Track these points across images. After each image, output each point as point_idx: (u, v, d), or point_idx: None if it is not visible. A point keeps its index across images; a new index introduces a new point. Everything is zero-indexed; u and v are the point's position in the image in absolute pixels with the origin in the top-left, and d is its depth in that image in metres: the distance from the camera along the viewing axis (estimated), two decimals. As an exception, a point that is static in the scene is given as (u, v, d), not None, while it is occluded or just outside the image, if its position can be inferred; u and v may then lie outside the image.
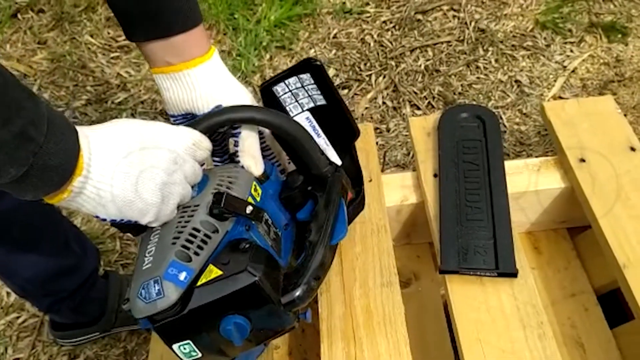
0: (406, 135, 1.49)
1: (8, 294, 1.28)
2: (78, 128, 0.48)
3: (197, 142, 0.58)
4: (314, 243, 0.61)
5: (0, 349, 1.22)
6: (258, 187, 0.65)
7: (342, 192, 0.68)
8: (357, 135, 0.79)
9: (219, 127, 0.64)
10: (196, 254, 0.54)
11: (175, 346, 0.54)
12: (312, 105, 0.76)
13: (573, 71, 1.58)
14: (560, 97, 1.52)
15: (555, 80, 1.57)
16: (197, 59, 0.62)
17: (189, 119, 0.65)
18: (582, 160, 0.84)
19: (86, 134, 0.48)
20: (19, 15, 1.91)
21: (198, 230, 0.55)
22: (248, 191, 0.62)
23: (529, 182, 0.86)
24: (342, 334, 0.70)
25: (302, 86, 0.77)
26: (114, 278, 1.15)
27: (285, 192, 0.69)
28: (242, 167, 0.65)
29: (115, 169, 0.49)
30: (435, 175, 0.85)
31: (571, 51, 1.63)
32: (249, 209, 0.58)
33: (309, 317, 0.62)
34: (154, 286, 0.51)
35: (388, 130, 1.50)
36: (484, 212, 0.79)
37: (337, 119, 0.77)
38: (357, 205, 0.79)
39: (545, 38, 1.67)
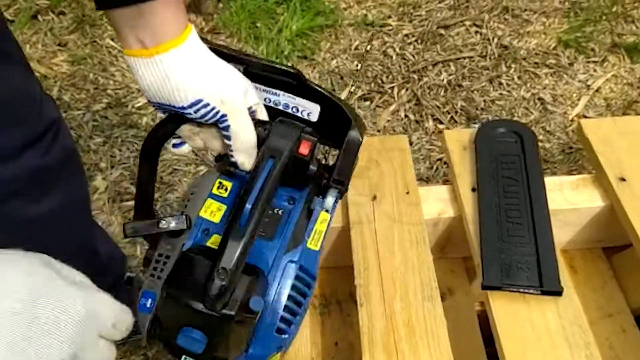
0: (429, 149, 1.48)
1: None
2: None
3: (117, 323, 0.42)
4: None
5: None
6: (225, 182, 0.64)
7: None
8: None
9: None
10: (159, 277, 0.58)
11: None
12: None
13: (597, 90, 1.58)
14: (585, 116, 1.52)
15: (578, 99, 1.56)
16: (169, 42, 0.52)
17: (174, 108, 0.58)
18: (623, 179, 0.83)
19: None
20: (39, 17, 1.90)
21: (161, 255, 0.60)
22: (205, 195, 0.63)
23: (567, 200, 0.85)
24: (383, 346, 0.69)
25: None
26: (138, 283, 1.13)
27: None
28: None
29: None
30: (473, 190, 0.85)
31: (594, 70, 1.63)
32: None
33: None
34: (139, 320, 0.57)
35: (411, 143, 1.50)
36: (525, 229, 0.78)
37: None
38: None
39: (568, 57, 1.67)
